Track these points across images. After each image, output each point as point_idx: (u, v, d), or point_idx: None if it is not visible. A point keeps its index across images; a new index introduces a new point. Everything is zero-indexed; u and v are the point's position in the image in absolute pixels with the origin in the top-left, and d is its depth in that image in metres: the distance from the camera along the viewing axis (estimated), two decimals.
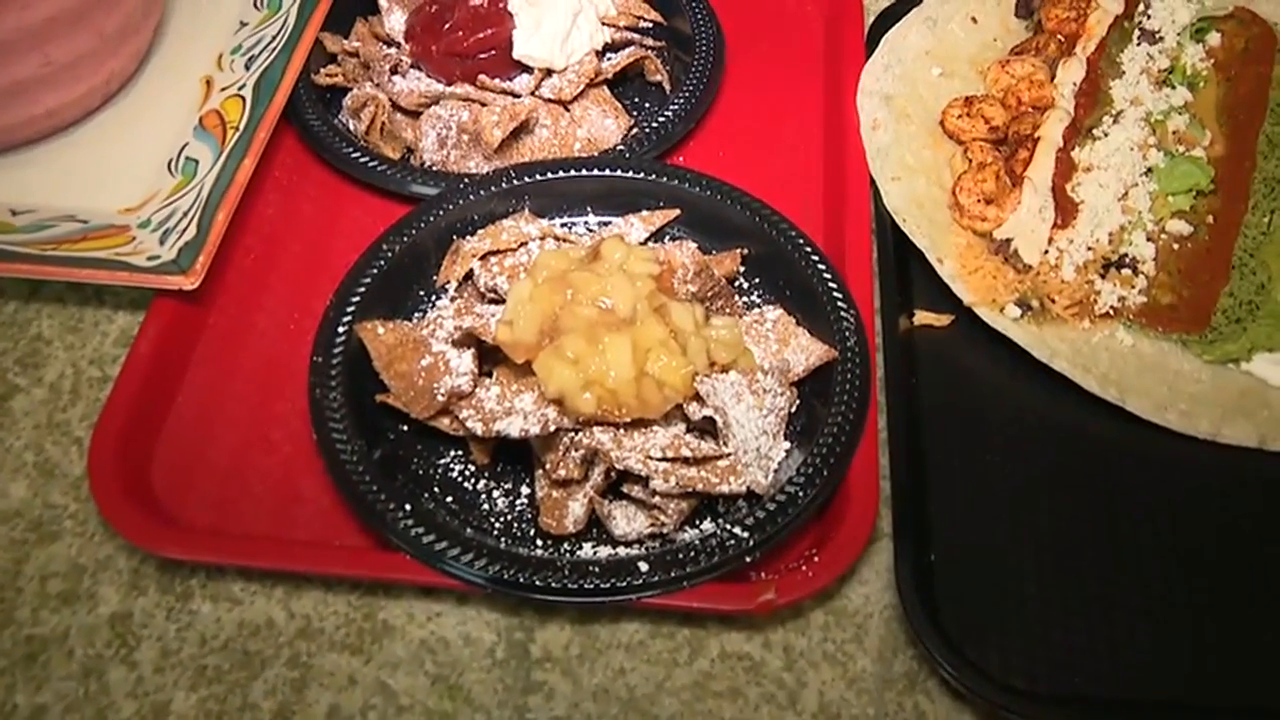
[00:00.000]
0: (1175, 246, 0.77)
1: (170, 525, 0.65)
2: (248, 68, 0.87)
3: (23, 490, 0.69)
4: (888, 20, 0.91)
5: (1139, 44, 0.85)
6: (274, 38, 0.88)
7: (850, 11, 0.92)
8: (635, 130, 0.84)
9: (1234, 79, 0.85)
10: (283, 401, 0.71)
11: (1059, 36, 0.87)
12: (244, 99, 0.84)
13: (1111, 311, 0.74)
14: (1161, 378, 0.71)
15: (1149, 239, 0.76)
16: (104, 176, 0.82)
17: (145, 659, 0.62)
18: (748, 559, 0.61)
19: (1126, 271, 0.75)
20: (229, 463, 0.69)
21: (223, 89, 0.86)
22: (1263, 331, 0.73)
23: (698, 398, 0.64)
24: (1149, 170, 0.79)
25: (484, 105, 0.81)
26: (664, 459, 0.63)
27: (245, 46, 0.89)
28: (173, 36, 0.92)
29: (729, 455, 0.64)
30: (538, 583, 0.60)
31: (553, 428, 0.63)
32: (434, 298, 0.75)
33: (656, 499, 0.63)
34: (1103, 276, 0.74)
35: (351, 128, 0.84)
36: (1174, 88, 0.84)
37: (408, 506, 0.63)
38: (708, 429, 0.65)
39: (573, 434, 0.64)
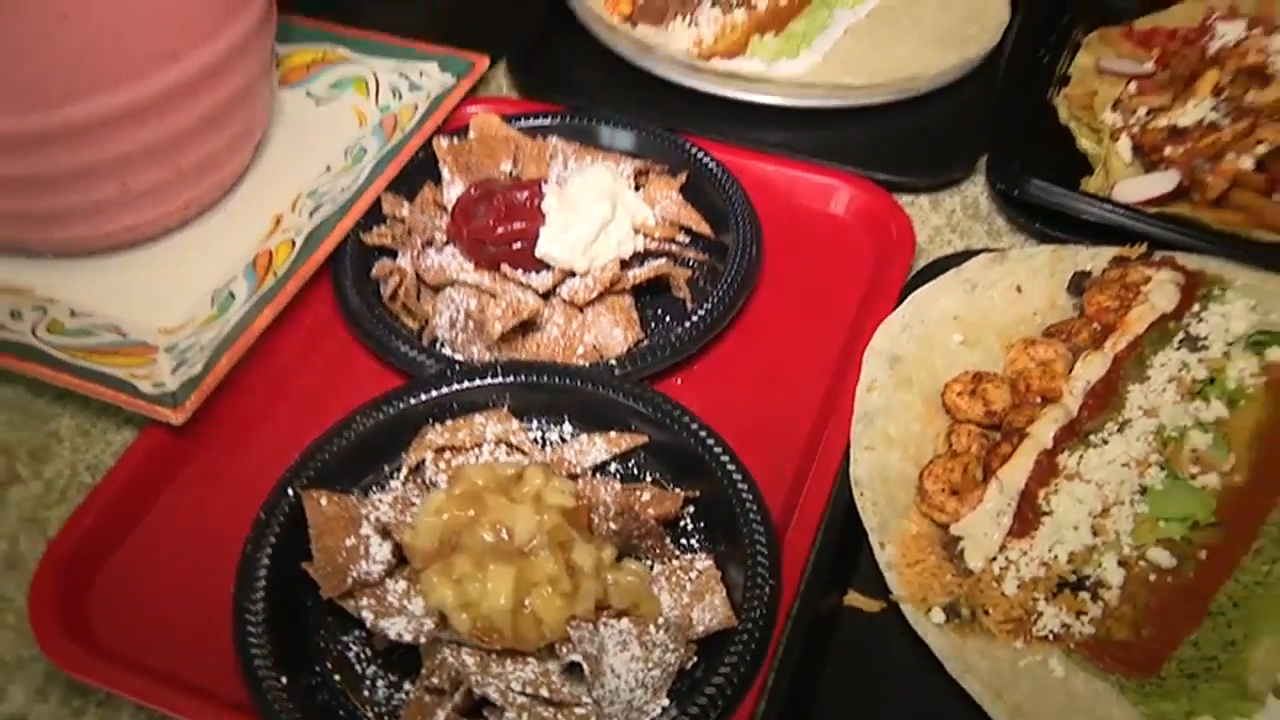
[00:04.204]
0: (1151, 578, 0.75)
1: (84, 644, 0.73)
2: (311, 215, 0.97)
3: None
4: (940, 269, 0.93)
5: (1178, 349, 0.85)
6: (343, 190, 0.98)
7: (898, 257, 0.95)
8: (644, 343, 0.89)
9: None
10: (239, 546, 0.79)
11: (1095, 325, 0.87)
12: (294, 245, 0.94)
13: (1051, 637, 0.73)
14: None
15: (1122, 564, 0.75)
16: (159, 294, 0.93)
17: None
18: None
19: (1083, 595, 0.74)
20: (171, 594, 0.77)
21: (284, 230, 0.96)
22: (1214, 696, 0.70)
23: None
24: (1143, 490, 0.78)
25: (494, 296, 0.88)
26: (523, 693, 0.67)
27: (320, 191, 1.00)
28: (267, 166, 1.04)
29: (587, 704, 0.67)
30: None
31: (424, 639, 0.68)
32: (394, 476, 0.82)
33: None
34: (1050, 598, 0.74)
35: (380, 293, 0.93)
36: (1208, 402, 0.82)
37: (283, 680, 0.69)
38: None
39: (449, 647, 0.69)
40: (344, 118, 1.07)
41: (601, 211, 0.90)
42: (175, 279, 0.94)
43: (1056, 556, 0.75)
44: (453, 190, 0.97)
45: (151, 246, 0.97)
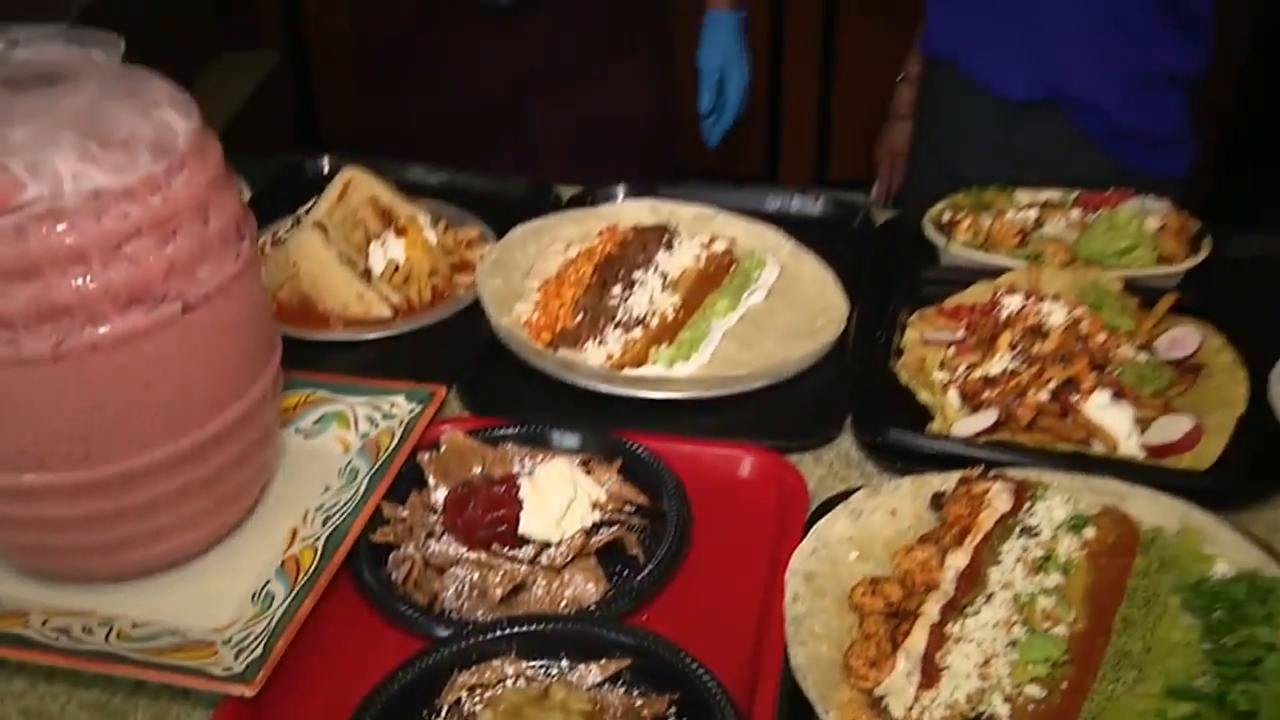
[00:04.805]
0: (1030, 707, 1.00)
1: None
2: (324, 524, 1.20)
3: None
4: (830, 506, 1.20)
5: (1019, 537, 1.12)
6: (346, 502, 1.22)
7: (796, 502, 1.22)
8: (611, 592, 1.13)
9: (1102, 568, 1.11)
10: None
11: (955, 529, 1.14)
12: (316, 550, 1.16)
13: None
14: None
15: (1006, 699, 0.99)
16: (205, 602, 1.13)
17: None
18: None
19: None
20: None
21: (303, 539, 1.19)
22: None
23: None
24: (1012, 643, 1.03)
25: (491, 569, 1.12)
26: None
27: (326, 506, 1.23)
28: (277, 490, 1.27)
29: None
30: None
31: None
32: (434, 716, 1.02)
33: None
34: None
35: (393, 578, 1.15)
36: (1048, 573, 1.09)
37: None
38: None
39: None
40: (331, 447, 1.33)
41: (566, 493, 1.16)
42: (218, 587, 1.15)
43: (958, 700, 0.99)
44: (438, 493, 1.22)
45: (193, 564, 1.18)
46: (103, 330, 0.99)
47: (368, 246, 1.64)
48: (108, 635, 1.09)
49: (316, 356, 1.48)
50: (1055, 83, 1.95)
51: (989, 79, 2.02)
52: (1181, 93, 2.00)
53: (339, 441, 1.33)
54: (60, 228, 0.96)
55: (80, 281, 0.97)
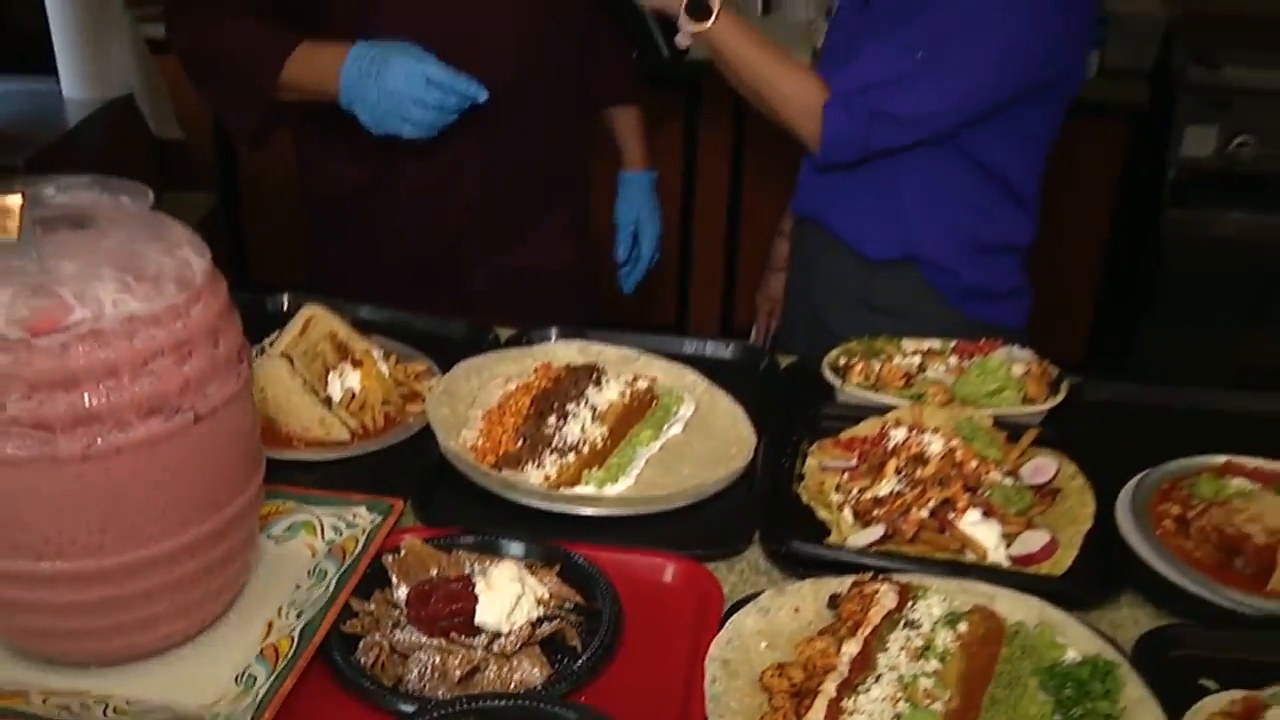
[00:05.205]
0: None
1: None
2: (298, 617, 1.35)
3: None
4: (742, 604, 1.39)
5: (903, 629, 1.32)
6: (317, 598, 1.38)
7: (713, 602, 1.41)
8: (553, 676, 1.30)
9: (973, 655, 1.31)
10: None
11: (850, 622, 1.34)
12: (292, 639, 1.31)
13: None
14: None
15: None
16: (191, 683, 1.27)
17: None
18: None
19: None
20: None
21: (279, 629, 1.34)
22: None
23: None
24: (898, 716, 1.22)
25: (450, 653, 1.28)
26: None
27: (298, 602, 1.38)
28: (253, 588, 1.41)
29: None
30: None
31: None
32: None
33: None
34: None
35: (363, 662, 1.31)
36: (928, 660, 1.29)
37: None
38: None
39: None
40: (300, 551, 1.48)
41: (515, 590, 1.33)
42: (203, 671, 1.28)
43: None
44: (400, 591, 1.38)
45: (179, 649, 1.32)
46: (127, 435, 1.15)
47: (326, 376, 1.82)
48: (105, 710, 1.22)
49: (283, 474, 1.64)
50: (910, 245, 2.23)
51: (852, 239, 2.29)
52: (1016, 256, 2.31)
53: (307, 547, 1.49)
54: (98, 346, 1.13)
55: (112, 392, 1.14)
